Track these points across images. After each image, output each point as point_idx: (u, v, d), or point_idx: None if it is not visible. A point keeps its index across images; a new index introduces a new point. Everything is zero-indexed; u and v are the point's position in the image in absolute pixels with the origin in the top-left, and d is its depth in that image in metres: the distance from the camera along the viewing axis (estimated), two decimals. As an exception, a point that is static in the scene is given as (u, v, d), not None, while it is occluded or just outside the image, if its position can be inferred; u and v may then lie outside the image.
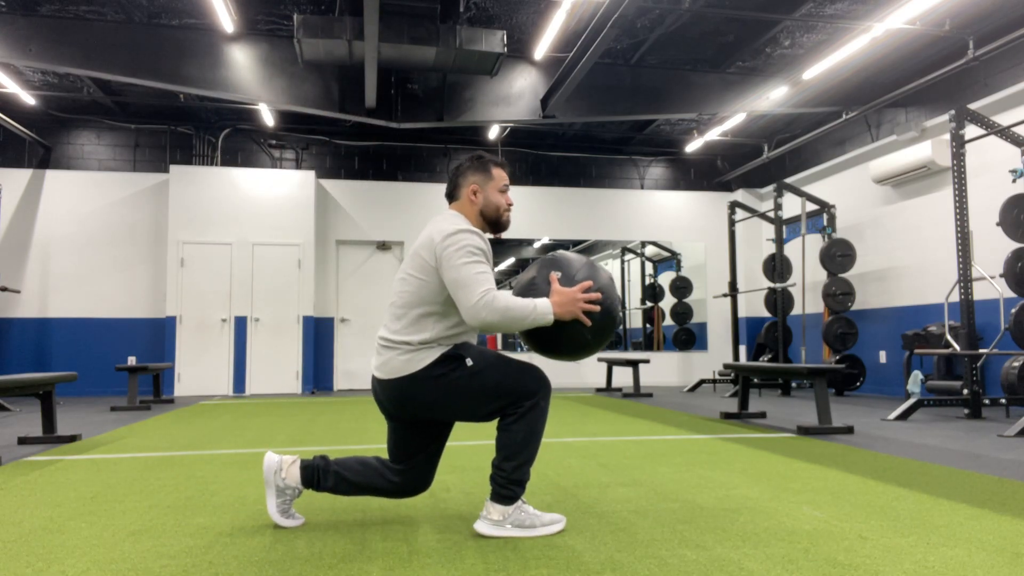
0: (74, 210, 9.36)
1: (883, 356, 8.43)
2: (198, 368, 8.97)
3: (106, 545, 2.14)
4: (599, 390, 9.34)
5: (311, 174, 9.49)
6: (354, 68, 7.44)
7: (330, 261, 9.97)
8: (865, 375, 8.50)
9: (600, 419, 5.76)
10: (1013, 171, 5.87)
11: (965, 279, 5.67)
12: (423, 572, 1.86)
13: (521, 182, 10.70)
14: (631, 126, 10.26)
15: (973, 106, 7.01)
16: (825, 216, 8.99)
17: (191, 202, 9.15)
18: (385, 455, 3.47)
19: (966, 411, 5.64)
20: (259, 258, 9.26)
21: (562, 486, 3.01)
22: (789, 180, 10.10)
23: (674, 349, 10.94)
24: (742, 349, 10.43)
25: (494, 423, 5.07)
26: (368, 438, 4.66)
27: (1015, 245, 5.98)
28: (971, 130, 6.91)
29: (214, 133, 9.78)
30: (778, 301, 8.75)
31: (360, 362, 9.94)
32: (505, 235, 10.40)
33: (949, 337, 5.91)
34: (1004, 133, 5.94)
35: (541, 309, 2.13)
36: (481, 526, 2.21)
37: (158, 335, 9.30)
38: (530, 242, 10.71)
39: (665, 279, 11.13)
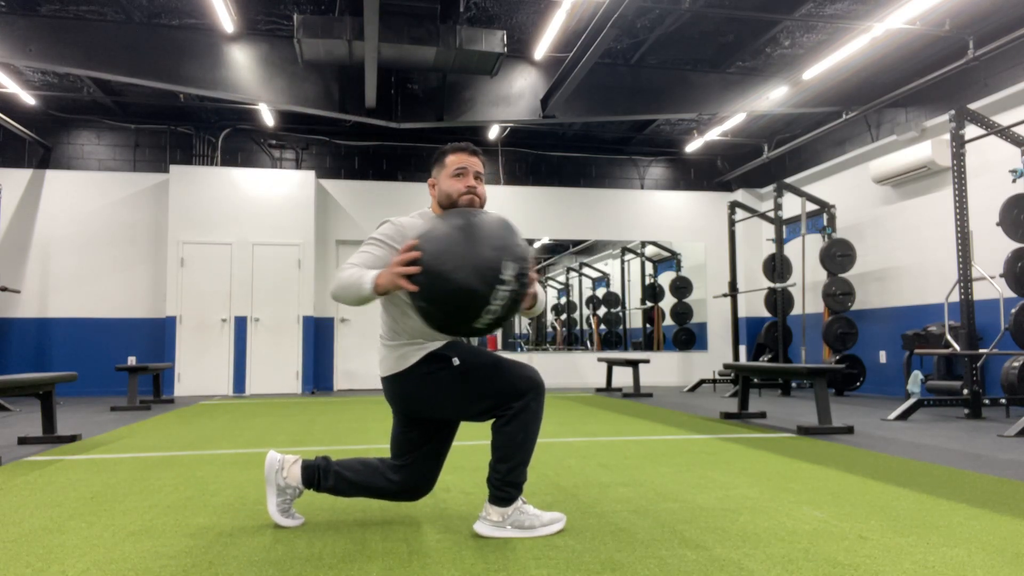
0: (74, 210, 9.36)
1: (883, 356, 8.43)
2: (198, 368, 8.97)
3: (106, 545, 2.14)
4: (599, 390, 9.34)
5: (311, 174, 9.49)
6: (354, 68, 7.44)
7: (330, 261, 9.97)
8: (865, 375, 8.50)
9: (600, 419, 5.76)
10: (1013, 171, 5.88)
11: (965, 279, 5.67)
12: (423, 572, 1.87)
13: (521, 182, 10.71)
14: (631, 126, 10.26)
15: (973, 106, 7.01)
16: (825, 216, 8.99)
17: (191, 202, 9.15)
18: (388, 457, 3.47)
19: (966, 411, 5.64)
20: (259, 258, 9.26)
21: (562, 486, 3.01)
22: (789, 180, 10.10)
23: (674, 349, 10.94)
24: (742, 349, 10.43)
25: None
26: (368, 438, 4.66)
27: (1015, 245, 5.98)
28: (971, 130, 6.90)
29: (214, 133, 9.78)
30: (778, 301, 8.75)
31: (360, 362, 9.94)
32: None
33: (949, 337, 5.91)
34: (1004, 133, 5.94)
35: (365, 280, 2.02)
36: (480, 527, 2.21)
37: (158, 335, 9.30)
38: (530, 242, 10.69)
39: (665, 279, 11.13)
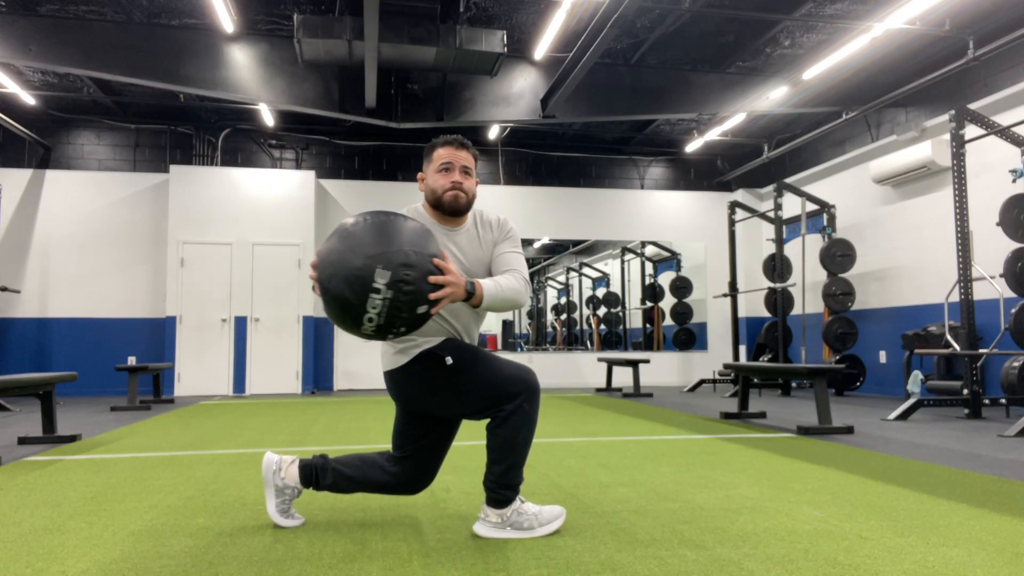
0: (74, 210, 9.36)
1: (883, 356, 8.43)
2: (198, 368, 8.97)
3: (106, 545, 2.14)
4: (599, 390, 9.34)
5: (311, 174, 9.49)
6: (354, 68, 7.44)
7: (330, 261, 9.95)
8: (865, 375, 8.50)
9: (600, 419, 5.76)
10: (1013, 171, 5.87)
11: (965, 279, 5.67)
12: (423, 572, 1.86)
13: (521, 182, 10.70)
14: (631, 126, 10.26)
15: (973, 106, 7.01)
16: (825, 216, 8.99)
17: (191, 202, 9.15)
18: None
19: (966, 411, 5.64)
20: (259, 258, 9.26)
21: (562, 486, 3.01)
22: (789, 180, 10.10)
23: (674, 349, 10.94)
24: (742, 349, 10.43)
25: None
26: (368, 438, 4.66)
27: (1015, 245, 5.98)
28: (971, 130, 6.90)
29: (214, 133, 9.78)
30: (778, 301, 8.75)
31: (360, 362, 9.94)
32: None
33: (949, 337, 5.91)
34: (1004, 133, 5.94)
35: None
36: (480, 528, 2.21)
37: (158, 335, 9.30)
38: (530, 242, 10.71)
39: (665, 279, 11.13)
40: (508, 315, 11.04)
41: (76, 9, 6.80)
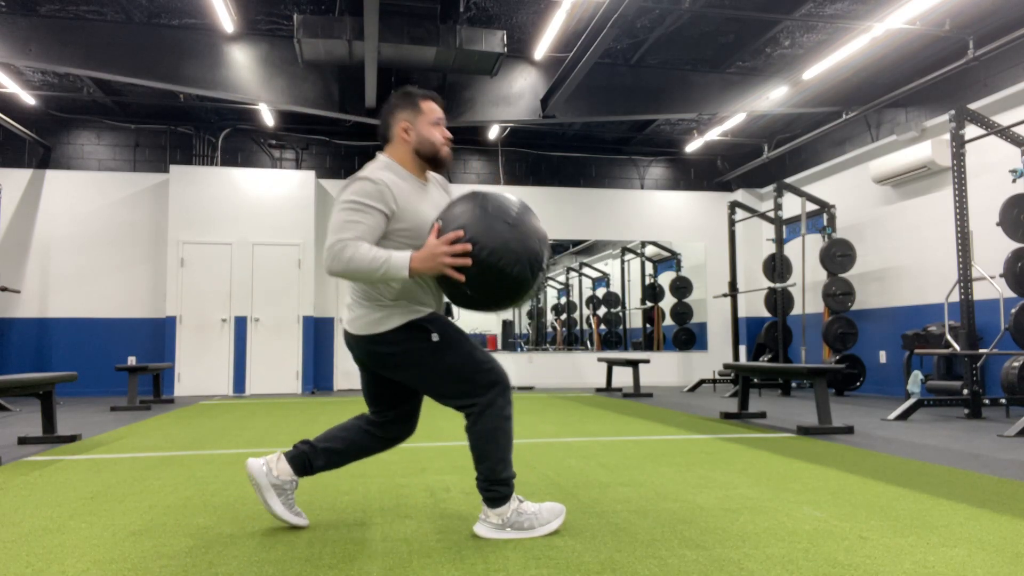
0: (74, 210, 9.36)
1: (883, 356, 8.43)
2: (198, 368, 8.97)
3: (106, 545, 2.14)
4: (599, 390, 9.34)
5: (311, 174, 9.49)
6: (354, 68, 7.44)
7: (330, 261, 9.95)
8: (865, 375, 8.50)
9: (600, 419, 5.76)
10: (1013, 171, 5.87)
11: (965, 279, 5.66)
12: (423, 572, 1.86)
13: (521, 182, 10.70)
14: (631, 126, 10.26)
15: (973, 106, 7.01)
16: (825, 216, 8.99)
17: (191, 202, 9.15)
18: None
19: (966, 411, 5.64)
20: (259, 258, 9.26)
21: (562, 486, 3.01)
22: (789, 180, 10.10)
23: (674, 349, 10.94)
24: (742, 349, 10.43)
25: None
26: (368, 438, 4.65)
27: (1015, 245, 5.98)
28: (971, 130, 6.90)
29: (214, 133, 9.77)
30: (778, 301, 8.75)
31: (360, 362, 9.93)
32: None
33: (949, 337, 5.91)
34: (1004, 133, 5.94)
35: (395, 263, 2.02)
36: (480, 528, 2.21)
37: (158, 335, 9.30)
38: (530, 242, 10.69)
39: (665, 279, 11.12)
40: (508, 315, 11.04)
41: (76, 9, 6.80)
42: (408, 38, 6.51)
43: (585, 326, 11.08)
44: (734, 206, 9.64)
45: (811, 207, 9.10)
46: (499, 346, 10.67)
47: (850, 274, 8.74)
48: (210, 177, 9.25)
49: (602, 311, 11.09)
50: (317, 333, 9.62)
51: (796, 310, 9.64)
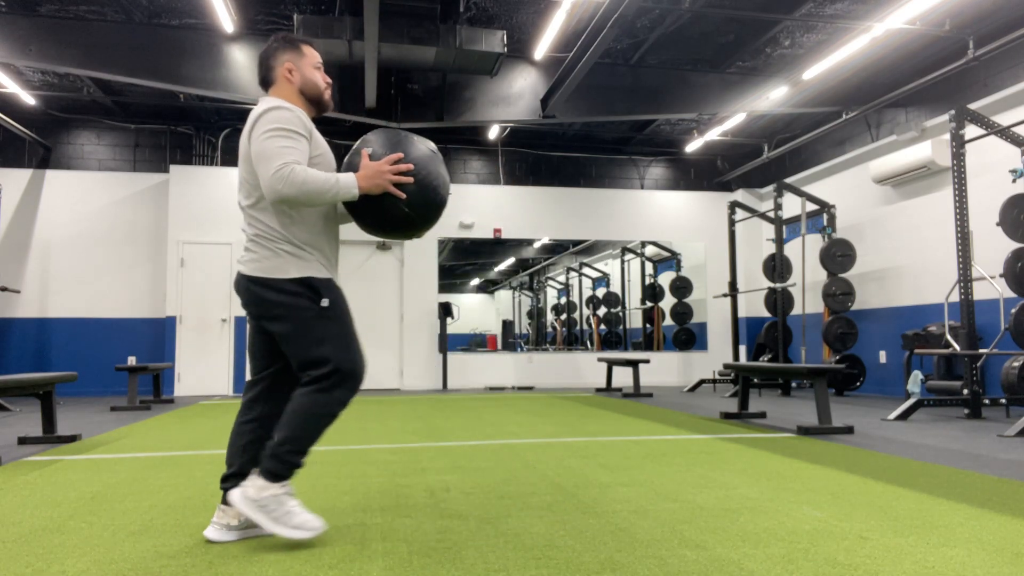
0: (74, 210, 9.36)
1: (883, 356, 8.43)
2: (198, 368, 8.97)
3: (106, 545, 2.14)
4: (599, 390, 9.34)
5: (311, 174, 9.47)
6: (354, 68, 7.44)
7: (330, 261, 9.95)
8: (865, 375, 8.50)
9: (600, 419, 5.76)
10: (1013, 171, 5.87)
11: (965, 279, 5.66)
12: (423, 572, 1.87)
13: (521, 182, 10.70)
14: (631, 126, 10.26)
15: (973, 106, 7.01)
16: (825, 216, 8.99)
17: (191, 202, 9.15)
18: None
19: (966, 411, 5.64)
20: (259, 258, 9.25)
21: (562, 486, 3.01)
22: (789, 180, 10.10)
23: (674, 349, 10.94)
24: (742, 349, 10.43)
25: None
26: (368, 437, 4.66)
27: (1015, 245, 5.98)
28: (971, 130, 6.90)
29: (214, 133, 9.77)
30: (778, 301, 8.75)
31: (360, 362, 9.92)
32: (505, 235, 10.40)
33: (949, 337, 5.91)
34: (1004, 133, 5.94)
35: (344, 183, 2.09)
36: (234, 495, 2.09)
37: (158, 335, 9.30)
38: (530, 242, 10.71)
39: (665, 279, 11.13)
40: (508, 315, 11.05)
41: (76, 9, 6.80)
42: (408, 38, 6.51)
43: (585, 326, 11.08)
44: (734, 206, 9.64)
45: (811, 207, 9.10)
46: (499, 346, 10.67)
47: (850, 274, 8.74)
48: (210, 177, 9.25)
49: (602, 311, 11.09)
50: (317, 333, 9.60)
51: (796, 310, 9.64)
